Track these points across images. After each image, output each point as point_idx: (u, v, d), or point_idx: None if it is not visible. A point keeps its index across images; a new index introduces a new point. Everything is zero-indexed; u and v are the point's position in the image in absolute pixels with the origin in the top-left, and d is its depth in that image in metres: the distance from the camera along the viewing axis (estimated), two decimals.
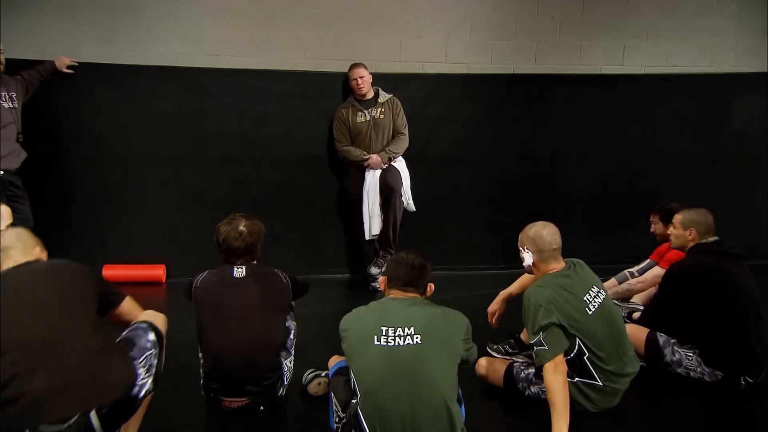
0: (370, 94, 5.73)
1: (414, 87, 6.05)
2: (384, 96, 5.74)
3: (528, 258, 3.44)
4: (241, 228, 3.41)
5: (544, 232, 3.42)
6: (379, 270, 5.57)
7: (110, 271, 5.66)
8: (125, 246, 5.84)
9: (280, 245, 5.72)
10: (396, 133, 5.71)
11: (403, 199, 5.70)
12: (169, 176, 5.89)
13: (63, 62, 5.50)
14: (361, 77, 5.57)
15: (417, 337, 2.78)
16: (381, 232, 5.64)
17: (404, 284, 2.98)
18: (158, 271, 5.90)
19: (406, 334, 2.78)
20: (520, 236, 3.47)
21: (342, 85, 5.91)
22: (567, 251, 3.54)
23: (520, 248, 3.46)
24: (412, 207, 5.78)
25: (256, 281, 3.37)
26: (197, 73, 5.77)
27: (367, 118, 5.66)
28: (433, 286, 3.05)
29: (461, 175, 6.25)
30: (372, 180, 5.66)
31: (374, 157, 5.51)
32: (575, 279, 3.39)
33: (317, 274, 5.93)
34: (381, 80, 5.91)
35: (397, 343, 2.77)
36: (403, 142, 5.71)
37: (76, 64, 5.52)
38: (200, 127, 5.86)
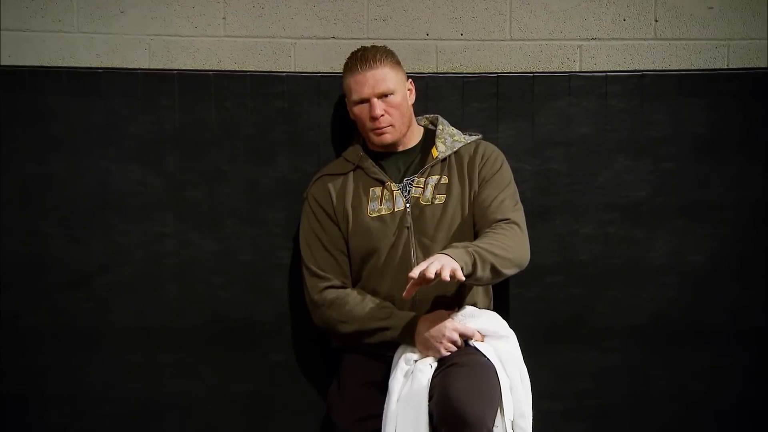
0: (413, 139, 2.89)
1: (549, 110, 3.10)
2: (451, 142, 2.89)
3: None
4: None
5: None
6: None
7: None
8: None
9: None
10: (488, 226, 2.80)
11: None
12: None
13: None
14: (382, 94, 2.70)
15: None
16: None
17: None
18: None
19: None
20: None
21: (333, 112, 3.04)
22: None
23: None
24: None
25: None
26: None
27: (399, 207, 2.81)
28: None
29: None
30: (409, 392, 2.65)
31: (439, 270, 2.35)
32: None
33: None
34: (444, 93, 3.11)
35: None
36: (516, 239, 2.74)
37: None
38: None
